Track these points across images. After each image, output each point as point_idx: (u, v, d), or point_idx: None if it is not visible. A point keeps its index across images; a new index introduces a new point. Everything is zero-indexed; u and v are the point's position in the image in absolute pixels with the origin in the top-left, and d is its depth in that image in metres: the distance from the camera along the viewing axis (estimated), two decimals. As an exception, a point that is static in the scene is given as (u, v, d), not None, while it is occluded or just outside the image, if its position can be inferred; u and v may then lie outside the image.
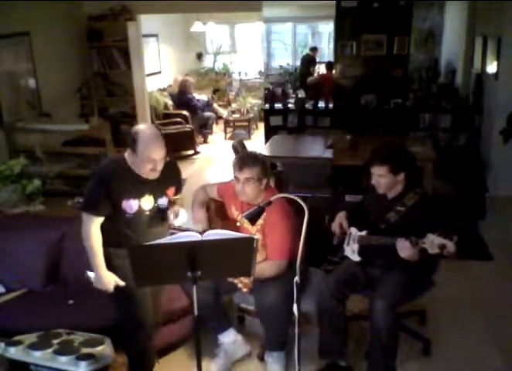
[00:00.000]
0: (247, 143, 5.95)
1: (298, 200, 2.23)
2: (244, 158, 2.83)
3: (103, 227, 2.48)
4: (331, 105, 6.64)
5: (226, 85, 10.38)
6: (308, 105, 6.74)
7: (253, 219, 2.47)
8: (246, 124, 9.00)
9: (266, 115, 6.88)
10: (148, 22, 7.33)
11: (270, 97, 6.94)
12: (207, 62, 10.73)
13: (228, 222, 3.04)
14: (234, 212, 2.98)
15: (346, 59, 6.68)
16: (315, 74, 9.03)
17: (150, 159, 2.37)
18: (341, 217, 3.01)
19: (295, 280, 2.16)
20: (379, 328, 2.66)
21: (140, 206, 2.48)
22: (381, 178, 2.78)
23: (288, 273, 2.72)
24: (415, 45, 7.22)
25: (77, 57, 6.42)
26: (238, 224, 2.94)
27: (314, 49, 9.48)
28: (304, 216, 2.14)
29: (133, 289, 2.48)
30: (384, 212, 2.84)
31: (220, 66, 10.63)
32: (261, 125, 7.71)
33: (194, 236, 2.17)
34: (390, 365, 2.77)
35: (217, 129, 9.38)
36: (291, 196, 2.38)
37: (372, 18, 6.38)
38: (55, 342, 2.47)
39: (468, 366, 3.00)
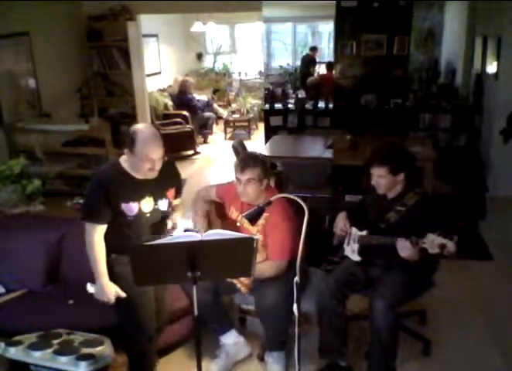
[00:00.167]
0: (247, 143, 5.95)
1: (298, 200, 2.24)
2: (246, 160, 2.83)
3: (105, 233, 2.46)
4: (331, 105, 6.64)
5: (226, 85, 10.39)
6: (308, 105, 6.74)
7: (253, 219, 2.47)
8: (246, 124, 9.00)
9: (266, 115, 6.88)
10: (148, 22, 7.34)
11: (270, 97, 6.94)
12: (207, 62, 10.73)
13: (228, 223, 3.04)
14: (234, 212, 2.98)
15: (346, 59, 6.67)
16: (316, 74, 9.03)
17: (148, 158, 2.35)
18: (342, 218, 3.01)
19: (295, 280, 2.16)
20: (379, 328, 2.66)
21: (140, 209, 2.47)
22: (381, 178, 2.78)
23: (288, 273, 2.72)
24: (415, 45, 7.21)
25: (77, 57, 6.42)
26: (238, 224, 2.94)
27: (314, 49, 9.48)
28: (304, 216, 2.14)
29: (135, 294, 2.48)
30: (384, 212, 2.84)
31: (220, 67, 10.63)
32: (261, 125, 7.71)
33: (194, 236, 2.17)
34: (390, 365, 2.77)
35: (217, 129, 9.38)
36: (291, 196, 2.38)
37: (372, 18, 6.38)
38: (55, 342, 2.47)
39: (468, 366, 3.00)
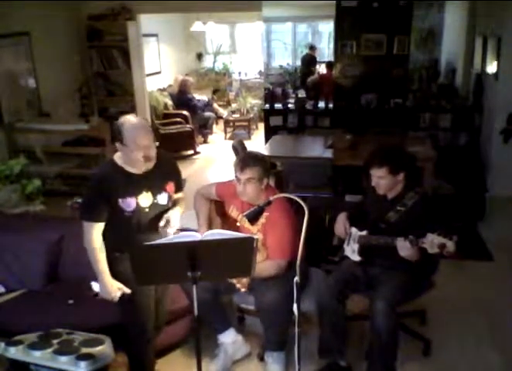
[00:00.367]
0: (247, 143, 5.96)
1: (298, 200, 2.23)
2: (245, 159, 2.83)
3: (106, 233, 2.47)
4: (331, 105, 6.64)
5: (226, 85, 10.38)
6: (308, 105, 6.74)
7: (253, 218, 2.47)
8: (246, 124, 9.00)
9: (266, 115, 6.88)
10: (148, 21, 7.33)
11: (270, 97, 6.94)
12: (207, 62, 10.73)
13: (228, 222, 3.04)
14: (234, 211, 2.98)
15: (346, 58, 6.67)
16: (316, 73, 9.02)
17: (139, 146, 2.34)
18: (343, 219, 3.01)
19: (295, 280, 2.16)
20: (379, 328, 2.66)
21: (138, 204, 2.45)
22: (381, 179, 2.78)
23: (288, 273, 2.72)
24: (415, 45, 7.20)
25: (77, 57, 6.42)
26: (238, 224, 2.94)
27: (312, 48, 9.47)
28: (304, 216, 2.14)
29: (136, 294, 2.48)
30: (384, 212, 2.84)
31: (220, 66, 10.63)
32: (261, 125, 7.71)
33: (194, 236, 2.17)
34: (390, 366, 2.76)
35: (217, 129, 9.38)
36: (291, 196, 2.38)
37: (372, 18, 6.38)
38: (55, 341, 2.46)
39: (468, 366, 3.00)
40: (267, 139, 6.46)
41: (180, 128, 7.73)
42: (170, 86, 9.03)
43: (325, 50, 9.98)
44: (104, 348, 2.44)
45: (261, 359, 3.05)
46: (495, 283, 3.93)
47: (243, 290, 2.86)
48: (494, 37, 5.53)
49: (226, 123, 9.02)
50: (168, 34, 9.29)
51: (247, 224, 2.81)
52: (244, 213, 2.49)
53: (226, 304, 3.14)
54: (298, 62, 9.70)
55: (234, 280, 2.84)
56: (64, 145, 5.51)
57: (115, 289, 2.45)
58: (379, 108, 6.44)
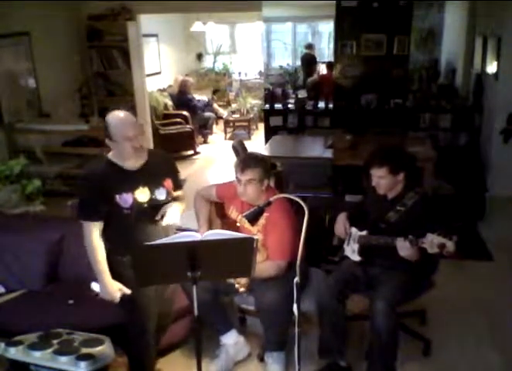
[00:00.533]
0: (247, 143, 5.95)
1: (298, 200, 2.23)
2: (246, 160, 2.83)
3: (106, 233, 2.47)
4: (331, 105, 6.64)
5: (226, 85, 10.38)
6: (308, 105, 6.74)
7: (252, 219, 2.47)
8: (246, 124, 9.00)
9: (266, 115, 6.88)
10: (148, 21, 7.33)
11: (270, 97, 6.94)
12: (207, 62, 10.73)
13: (228, 222, 3.04)
14: (234, 212, 2.98)
15: (346, 59, 6.67)
16: (315, 74, 9.01)
17: (126, 137, 2.37)
18: (343, 219, 3.01)
19: (295, 280, 2.16)
20: (379, 328, 2.66)
21: (135, 199, 2.44)
22: (382, 179, 2.78)
23: (288, 273, 2.72)
24: (415, 45, 7.20)
25: (77, 57, 6.41)
26: (238, 224, 2.94)
27: (309, 47, 9.44)
28: (304, 216, 2.14)
29: (136, 294, 2.47)
30: (384, 212, 2.84)
31: (220, 67, 10.63)
32: (261, 125, 7.70)
33: (194, 236, 2.17)
34: (390, 366, 2.76)
35: (217, 129, 9.38)
36: (291, 196, 2.38)
37: (372, 18, 6.38)
38: (55, 342, 2.46)
39: (468, 366, 3.00)
40: (267, 139, 6.45)
41: (180, 129, 7.73)
42: (170, 86, 9.03)
43: (325, 50, 9.98)
44: (104, 348, 2.44)
45: (261, 359, 3.04)
46: (495, 283, 3.93)
47: (242, 290, 2.86)
48: (494, 37, 5.53)
49: (226, 123, 9.02)
50: (168, 34, 9.29)
51: (247, 225, 2.81)
52: (244, 214, 2.49)
53: (227, 304, 3.14)
54: (298, 63, 9.69)
55: (234, 281, 2.85)
56: (64, 145, 5.51)
57: (115, 289, 2.45)
58: (379, 108, 6.44)
